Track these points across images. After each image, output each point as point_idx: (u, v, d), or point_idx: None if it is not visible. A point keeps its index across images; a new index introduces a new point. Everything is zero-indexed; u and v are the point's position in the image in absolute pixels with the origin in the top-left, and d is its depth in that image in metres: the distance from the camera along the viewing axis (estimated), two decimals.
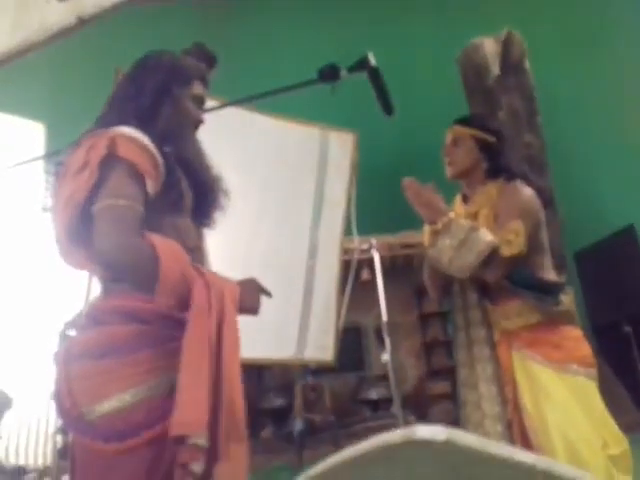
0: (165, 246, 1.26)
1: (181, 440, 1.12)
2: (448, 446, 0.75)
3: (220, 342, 1.24)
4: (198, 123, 1.54)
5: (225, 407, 1.19)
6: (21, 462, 4.45)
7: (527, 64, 6.02)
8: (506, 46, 5.95)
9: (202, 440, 1.12)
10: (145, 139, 1.33)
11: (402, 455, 0.84)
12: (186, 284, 1.25)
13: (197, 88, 1.52)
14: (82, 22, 2.15)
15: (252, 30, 6.89)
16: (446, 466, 0.85)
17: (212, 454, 1.16)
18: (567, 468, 0.80)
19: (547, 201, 4.49)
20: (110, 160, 1.28)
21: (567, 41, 6.64)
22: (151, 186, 1.32)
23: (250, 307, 1.39)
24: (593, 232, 5.59)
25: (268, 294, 1.46)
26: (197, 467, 1.13)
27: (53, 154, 1.94)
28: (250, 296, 1.40)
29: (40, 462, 4.58)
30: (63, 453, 3.40)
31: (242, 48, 6.46)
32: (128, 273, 1.27)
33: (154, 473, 1.18)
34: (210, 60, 1.57)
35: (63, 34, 2.17)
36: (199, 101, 1.54)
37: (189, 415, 1.13)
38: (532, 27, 6.34)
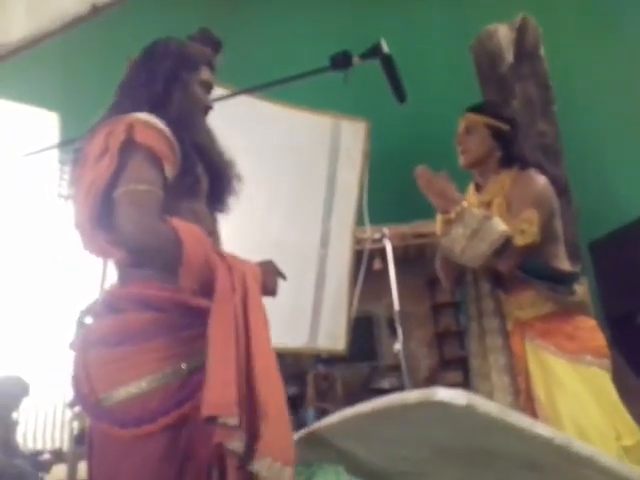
0: (188, 230, 1.26)
1: (212, 420, 1.13)
2: (467, 411, 0.74)
3: (247, 322, 1.24)
4: (207, 109, 1.54)
5: (260, 385, 1.19)
6: (38, 447, 4.53)
7: (542, 51, 5.89)
8: (521, 33, 5.80)
9: (233, 420, 1.12)
10: (161, 124, 1.34)
11: (419, 416, 0.83)
12: (209, 268, 1.25)
13: (205, 73, 1.52)
14: (96, 10, 2.15)
15: (263, 17, 6.82)
16: (462, 432, 0.85)
17: (252, 433, 1.16)
18: (585, 446, 0.79)
19: (562, 190, 4.43)
20: (129, 145, 1.28)
21: (583, 27, 6.49)
22: (169, 170, 1.32)
23: (269, 289, 1.40)
24: (608, 222, 5.49)
25: (284, 277, 1.46)
26: (235, 444, 1.13)
27: (67, 143, 1.95)
28: (269, 277, 1.40)
29: (57, 447, 4.65)
30: (79, 439, 3.45)
31: (254, 35, 6.42)
32: (152, 256, 1.26)
33: (169, 459, 1.19)
34: (215, 45, 1.56)
35: (77, 22, 2.17)
36: (207, 86, 1.54)
37: (219, 396, 1.13)
38: (548, 13, 6.20)
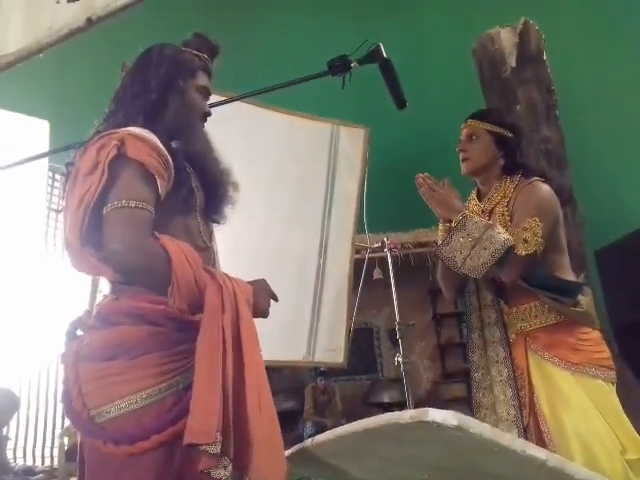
0: (177, 248, 1.24)
1: (194, 447, 1.11)
2: (459, 432, 0.73)
3: (240, 343, 1.22)
4: (205, 115, 1.52)
5: (251, 410, 1.17)
6: (29, 463, 4.46)
7: (545, 55, 5.84)
8: (523, 36, 5.76)
9: (213, 448, 1.09)
10: (155, 138, 1.31)
11: (412, 436, 0.82)
12: (198, 287, 1.23)
13: (202, 79, 1.50)
14: (91, 23, 2.14)
15: (262, 23, 6.82)
16: (456, 452, 0.83)
17: (242, 458, 1.14)
18: (580, 469, 0.77)
19: (566, 199, 4.37)
20: (120, 161, 1.26)
21: (587, 30, 6.46)
22: (162, 186, 1.29)
23: (261, 309, 1.37)
24: (614, 230, 5.44)
25: (275, 298, 1.43)
26: (219, 473, 1.10)
27: (58, 150, 1.93)
28: (261, 297, 1.37)
29: (48, 463, 4.59)
30: (70, 455, 3.39)
31: (251, 42, 6.42)
32: (140, 275, 1.24)
33: (164, 476, 1.17)
34: (212, 49, 1.53)
35: (72, 35, 2.16)
36: (204, 92, 1.51)
37: (200, 424, 1.11)
38: (550, 16, 6.16)
